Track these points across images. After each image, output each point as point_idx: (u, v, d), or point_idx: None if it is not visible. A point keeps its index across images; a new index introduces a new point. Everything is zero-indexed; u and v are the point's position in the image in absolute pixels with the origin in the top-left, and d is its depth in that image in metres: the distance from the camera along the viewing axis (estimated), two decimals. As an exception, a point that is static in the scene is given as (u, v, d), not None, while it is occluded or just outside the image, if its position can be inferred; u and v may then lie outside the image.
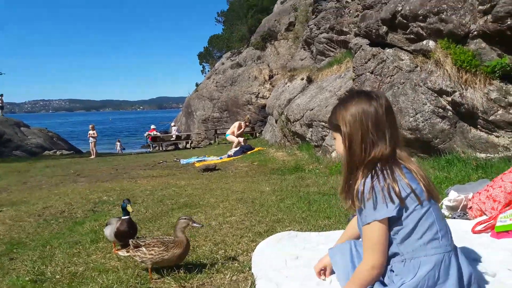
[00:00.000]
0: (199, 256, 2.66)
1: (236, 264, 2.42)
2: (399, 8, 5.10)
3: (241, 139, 11.81)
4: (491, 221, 2.36)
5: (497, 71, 3.97)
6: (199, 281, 2.21)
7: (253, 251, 2.61)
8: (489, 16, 3.98)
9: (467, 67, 4.14)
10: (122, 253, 2.42)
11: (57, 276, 2.48)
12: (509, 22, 3.83)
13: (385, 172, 1.37)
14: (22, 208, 4.73)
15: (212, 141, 19.26)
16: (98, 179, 7.81)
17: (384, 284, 1.46)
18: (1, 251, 3.17)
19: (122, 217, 2.97)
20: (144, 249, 2.32)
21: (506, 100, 3.98)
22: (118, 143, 22.40)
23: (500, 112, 4.02)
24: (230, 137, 12.04)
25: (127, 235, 2.89)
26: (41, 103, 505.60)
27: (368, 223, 1.38)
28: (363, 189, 1.38)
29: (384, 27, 5.51)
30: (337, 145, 1.56)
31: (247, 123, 12.68)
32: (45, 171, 10.24)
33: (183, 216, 2.35)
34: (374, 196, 1.35)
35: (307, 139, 8.42)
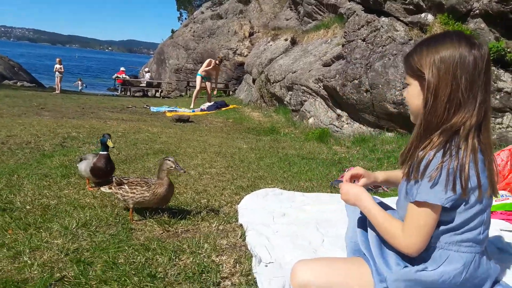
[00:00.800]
0: (181, 202, 2.56)
1: (221, 214, 2.34)
2: (402, -23, 4.96)
3: (208, 85, 11.41)
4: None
5: (492, 54, 3.98)
6: (184, 227, 2.13)
7: (237, 203, 2.55)
8: (494, -4, 3.94)
9: (463, 47, 4.12)
10: (105, 189, 2.28)
11: (28, 207, 2.31)
12: (513, 5, 3.80)
13: (461, 151, 1.12)
14: (-17, 134, 4.40)
15: (183, 93, 18.75)
16: (63, 115, 7.42)
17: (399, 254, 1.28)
18: (-39, 175, 2.92)
19: (100, 152, 2.81)
20: (126, 187, 2.20)
21: (495, 85, 4.03)
22: (79, 82, 21.36)
23: (487, 96, 4.06)
24: (197, 80, 11.38)
25: (104, 171, 2.74)
26: (2, 29, 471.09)
27: (418, 202, 1.13)
28: (430, 162, 1.12)
29: (386, -6, 5.37)
30: (411, 95, 1.24)
31: (217, 62, 11.56)
32: (4, 100, 9.61)
33: (169, 157, 2.21)
34: (438, 176, 1.10)
35: (285, 102, 8.32)
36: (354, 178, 1.48)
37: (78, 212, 2.25)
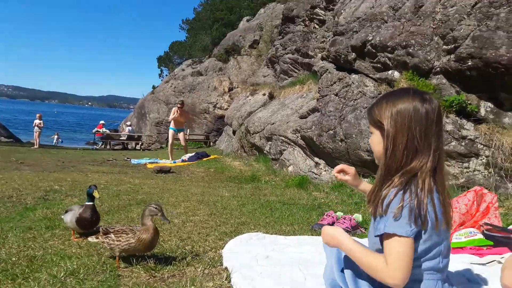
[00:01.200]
0: (166, 249, 2.62)
1: (206, 259, 2.42)
2: (370, 38, 5.43)
3: (181, 136, 10.88)
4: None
5: (454, 106, 4.34)
6: (170, 272, 2.19)
7: (221, 248, 2.63)
8: (452, 56, 4.37)
9: (427, 99, 4.48)
10: (92, 239, 2.34)
11: (13, 259, 2.33)
12: (469, 63, 4.22)
13: (419, 190, 1.26)
14: (-37, 189, 4.38)
15: (163, 145, 18.88)
16: (44, 169, 7.39)
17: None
18: None
19: (86, 203, 2.87)
20: (112, 235, 2.26)
21: (460, 133, 4.35)
22: (56, 136, 21.27)
23: (453, 143, 4.39)
24: (169, 133, 10.88)
25: (89, 222, 2.79)
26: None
27: (388, 234, 1.24)
28: (393, 199, 1.26)
29: (353, 53, 5.82)
30: (374, 142, 1.40)
31: (178, 106, 10.70)
32: (-19, 155, 9.53)
33: (153, 203, 2.31)
34: (401, 212, 1.23)
35: (265, 151, 8.55)
36: (343, 172, 1.70)
37: (65, 261, 2.28)
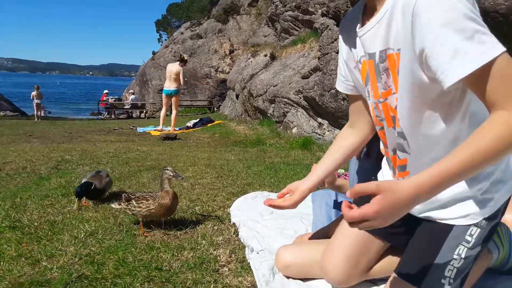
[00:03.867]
0: (177, 210, 2.77)
1: (215, 217, 2.57)
2: (369, -8, 5.34)
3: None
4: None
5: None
6: (182, 229, 2.35)
7: (229, 207, 2.79)
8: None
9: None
10: (114, 205, 2.47)
11: (35, 224, 2.50)
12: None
13: None
14: (-21, 162, 4.55)
15: (168, 112, 18.96)
16: (52, 140, 7.55)
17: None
18: (-34, 200, 3.09)
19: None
20: (134, 202, 2.38)
21: None
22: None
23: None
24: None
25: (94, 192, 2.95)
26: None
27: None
28: None
29: (353, 9, 5.75)
30: None
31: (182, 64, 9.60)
32: (-10, 130, 9.70)
33: (168, 167, 2.43)
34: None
35: (268, 114, 8.62)
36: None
37: (84, 224, 2.45)
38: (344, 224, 1.44)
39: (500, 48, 0.83)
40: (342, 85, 1.35)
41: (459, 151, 0.80)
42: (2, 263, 1.89)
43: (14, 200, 3.08)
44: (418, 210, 1.20)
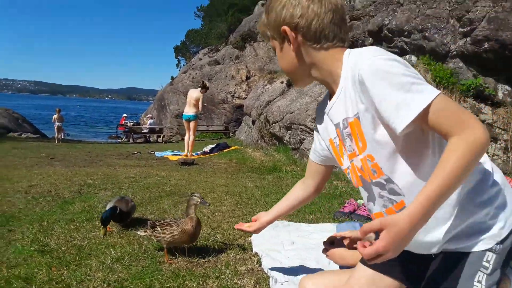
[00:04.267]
0: (199, 238, 2.83)
1: (237, 245, 2.62)
2: (386, 22, 5.47)
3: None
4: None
5: (472, 90, 4.39)
6: (205, 258, 2.40)
7: (250, 236, 2.82)
8: (468, 38, 4.40)
9: (445, 84, 4.55)
10: (140, 232, 2.54)
11: (63, 248, 2.58)
12: (485, 46, 4.25)
13: None
14: (6, 185, 4.70)
15: (184, 137, 19.22)
16: (74, 164, 7.74)
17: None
18: (-3, 223, 3.21)
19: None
20: (159, 228, 2.44)
21: (477, 118, 4.41)
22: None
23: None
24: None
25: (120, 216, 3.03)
26: (3, 82, 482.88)
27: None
28: None
29: (370, 38, 5.88)
30: None
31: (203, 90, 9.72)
32: (13, 152, 9.97)
33: (195, 193, 2.48)
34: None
35: (285, 141, 8.69)
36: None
37: (110, 250, 2.52)
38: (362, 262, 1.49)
39: (435, 92, 1.00)
40: (315, 156, 1.58)
41: (435, 176, 0.97)
42: (34, 286, 1.97)
43: (41, 223, 3.18)
44: (433, 247, 1.24)
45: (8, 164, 7.21)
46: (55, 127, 15.94)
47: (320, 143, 1.50)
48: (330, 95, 1.30)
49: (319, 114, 1.43)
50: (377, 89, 1.04)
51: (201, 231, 2.99)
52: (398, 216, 0.96)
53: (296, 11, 1.20)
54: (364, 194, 1.33)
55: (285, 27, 1.21)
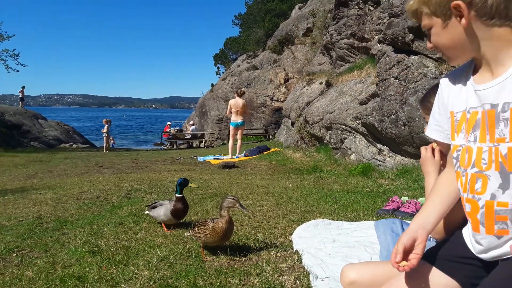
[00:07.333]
0: (240, 237, 2.87)
1: (277, 244, 2.63)
2: (426, 17, 5.28)
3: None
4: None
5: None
6: (247, 256, 2.43)
7: (290, 234, 2.83)
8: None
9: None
10: (187, 233, 2.65)
11: (112, 249, 2.71)
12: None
13: None
14: (60, 192, 4.99)
15: (225, 141, 19.51)
16: (121, 170, 8.06)
17: None
18: (52, 226, 3.41)
19: (176, 195, 3.20)
20: (196, 228, 2.52)
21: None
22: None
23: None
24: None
25: (183, 211, 3.13)
26: (55, 97, 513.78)
27: None
28: None
29: (411, 34, 5.70)
30: None
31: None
32: (65, 161, 10.54)
33: (231, 196, 2.52)
34: None
35: (325, 141, 8.60)
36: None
37: (156, 250, 2.61)
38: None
39: None
40: (435, 132, 1.46)
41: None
42: (86, 284, 2.08)
43: (92, 227, 3.35)
44: (487, 254, 1.20)
45: (61, 173, 7.65)
46: (104, 137, 16.73)
47: (440, 114, 1.41)
48: (475, 69, 1.27)
49: (452, 87, 1.35)
50: None
51: (242, 230, 3.05)
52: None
53: None
54: (492, 179, 1.24)
55: (459, 2, 1.18)
